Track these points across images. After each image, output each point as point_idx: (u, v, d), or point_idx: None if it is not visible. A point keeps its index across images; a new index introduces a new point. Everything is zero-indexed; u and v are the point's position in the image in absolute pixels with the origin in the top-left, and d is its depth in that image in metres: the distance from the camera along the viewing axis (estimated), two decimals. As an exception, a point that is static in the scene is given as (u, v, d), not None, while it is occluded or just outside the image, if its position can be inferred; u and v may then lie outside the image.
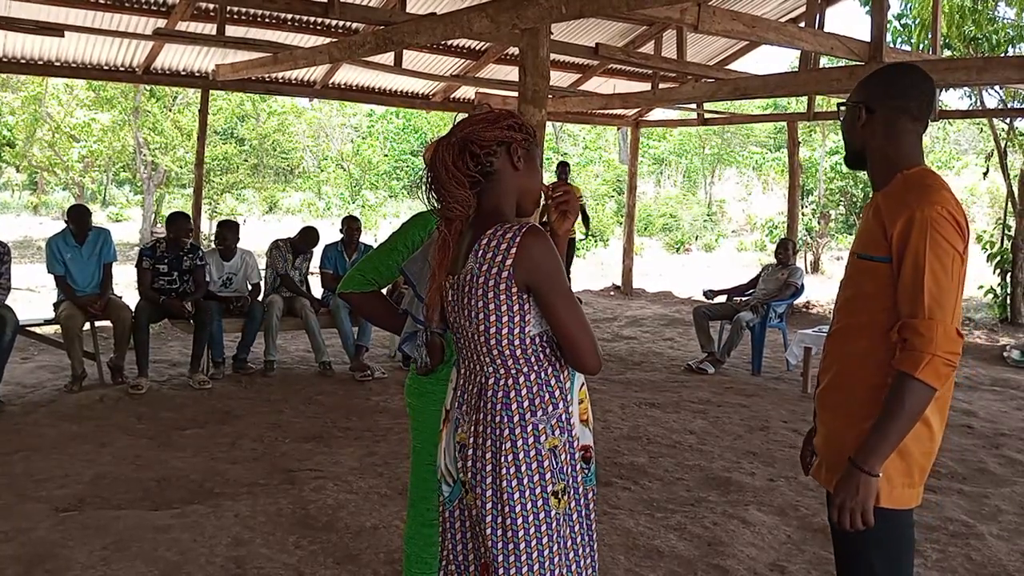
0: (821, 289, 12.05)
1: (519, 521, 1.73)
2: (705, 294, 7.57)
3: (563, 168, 10.19)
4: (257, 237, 13.55)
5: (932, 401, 1.78)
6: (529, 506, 1.74)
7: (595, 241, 17.38)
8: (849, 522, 1.78)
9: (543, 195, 1.92)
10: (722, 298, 7.56)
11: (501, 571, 1.73)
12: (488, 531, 1.74)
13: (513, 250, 1.70)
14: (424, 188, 1.82)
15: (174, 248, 6.19)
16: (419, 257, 2.03)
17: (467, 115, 1.89)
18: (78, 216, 6.09)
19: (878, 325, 1.83)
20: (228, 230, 6.67)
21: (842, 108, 2.00)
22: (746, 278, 8.06)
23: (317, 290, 7.22)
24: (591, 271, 15.05)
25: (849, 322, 1.93)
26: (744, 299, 7.48)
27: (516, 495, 1.73)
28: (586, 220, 11.04)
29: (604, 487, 4.13)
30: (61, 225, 6.13)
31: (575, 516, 1.81)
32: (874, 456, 1.76)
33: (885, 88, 1.93)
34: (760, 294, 7.36)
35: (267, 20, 7.66)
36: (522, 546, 1.73)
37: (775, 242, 8.01)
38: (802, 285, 7.45)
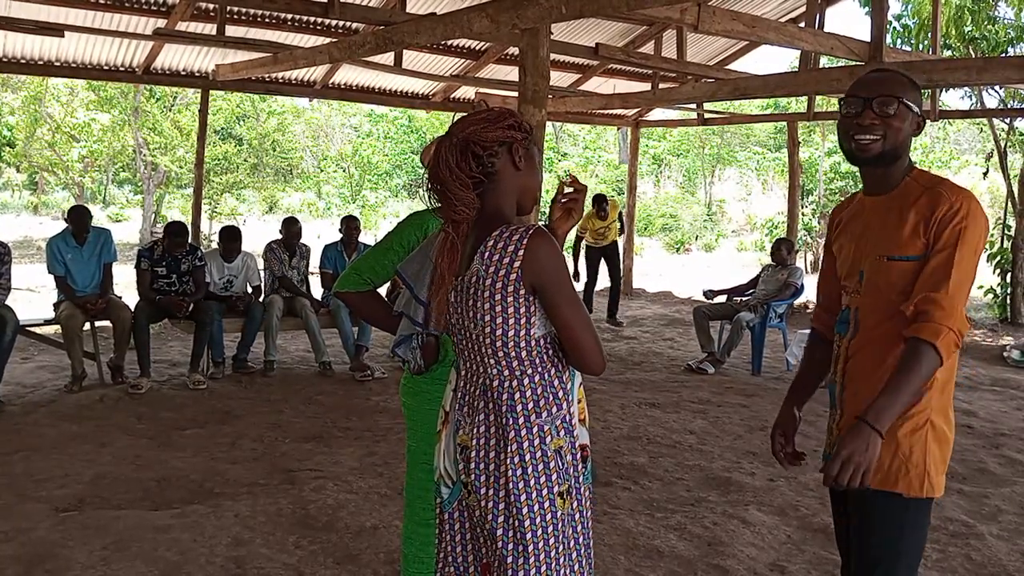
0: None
1: (526, 523, 1.73)
2: (705, 294, 7.58)
3: (600, 201, 9.48)
4: (257, 237, 13.56)
5: (946, 392, 1.87)
6: (536, 508, 1.74)
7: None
8: (850, 478, 1.75)
9: (557, 192, 1.92)
10: (722, 298, 7.57)
11: (510, 572, 1.74)
12: (500, 532, 1.74)
13: (521, 252, 1.70)
14: (426, 189, 1.81)
15: (171, 251, 6.19)
16: (416, 258, 2.02)
17: (466, 114, 1.88)
18: (78, 217, 6.09)
19: None
20: (229, 238, 6.65)
21: (903, 106, 1.90)
22: (746, 278, 8.07)
23: (317, 290, 7.23)
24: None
25: (888, 328, 1.90)
26: (744, 299, 7.49)
27: (523, 497, 1.73)
28: (622, 227, 10.32)
29: (604, 487, 4.13)
30: (61, 225, 6.14)
31: (576, 516, 1.81)
32: (886, 415, 1.77)
33: (920, 96, 1.97)
34: (760, 294, 7.36)
35: (267, 20, 7.66)
36: (530, 548, 1.73)
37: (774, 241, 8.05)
38: (802, 285, 7.46)
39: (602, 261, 9.77)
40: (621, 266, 10.12)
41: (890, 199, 1.94)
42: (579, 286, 9.95)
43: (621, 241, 10.24)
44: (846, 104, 1.96)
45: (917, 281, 1.83)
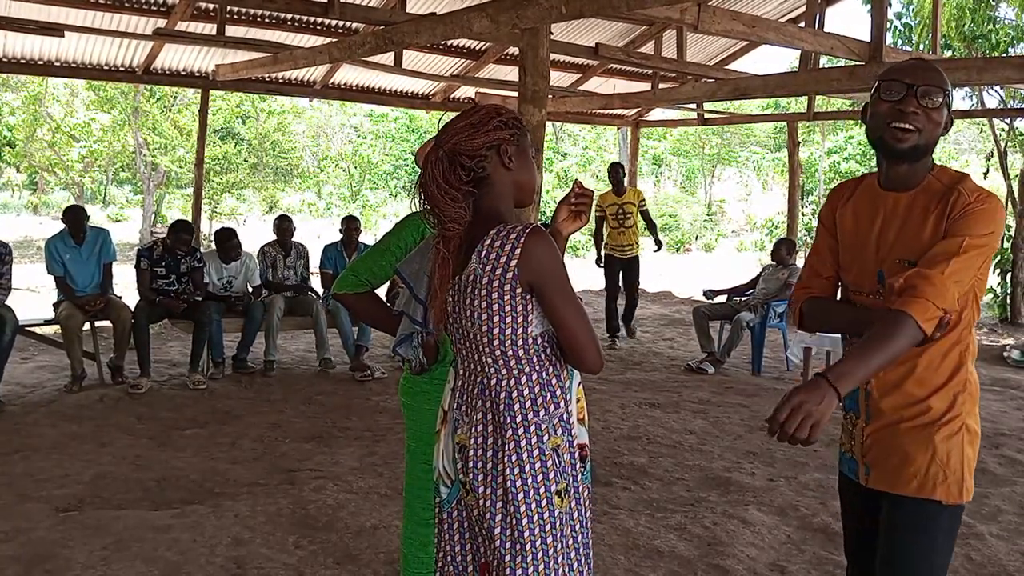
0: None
1: (524, 521, 1.73)
2: (705, 294, 7.58)
3: (615, 170, 8.74)
4: (258, 237, 13.56)
5: (976, 393, 1.84)
6: (533, 506, 1.74)
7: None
8: (796, 428, 1.56)
9: (568, 192, 1.91)
10: (722, 298, 7.57)
11: (508, 571, 1.74)
12: (497, 531, 1.74)
13: (518, 251, 1.69)
14: (418, 201, 1.81)
15: (171, 252, 6.19)
16: (415, 257, 2.02)
17: (453, 116, 1.86)
18: (73, 217, 6.09)
19: (954, 323, 1.79)
20: (226, 238, 6.67)
21: (944, 101, 1.85)
22: (746, 278, 8.06)
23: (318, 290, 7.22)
24: (591, 271, 15.02)
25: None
26: (744, 299, 7.48)
27: (520, 495, 1.73)
28: (653, 229, 9.03)
29: (604, 487, 4.13)
30: (61, 225, 6.14)
31: (575, 515, 1.81)
32: (847, 380, 1.62)
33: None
34: (760, 294, 7.36)
35: (267, 20, 7.66)
36: (528, 546, 1.73)
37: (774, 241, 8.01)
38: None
39: (621, 274, 8.64)
40: (640, 281, 8.95)
41: (912, 197, 1.85)
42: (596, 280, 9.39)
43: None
44: (886, 89, 1.83)
45: (927, 255, 1.76)
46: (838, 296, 2.06)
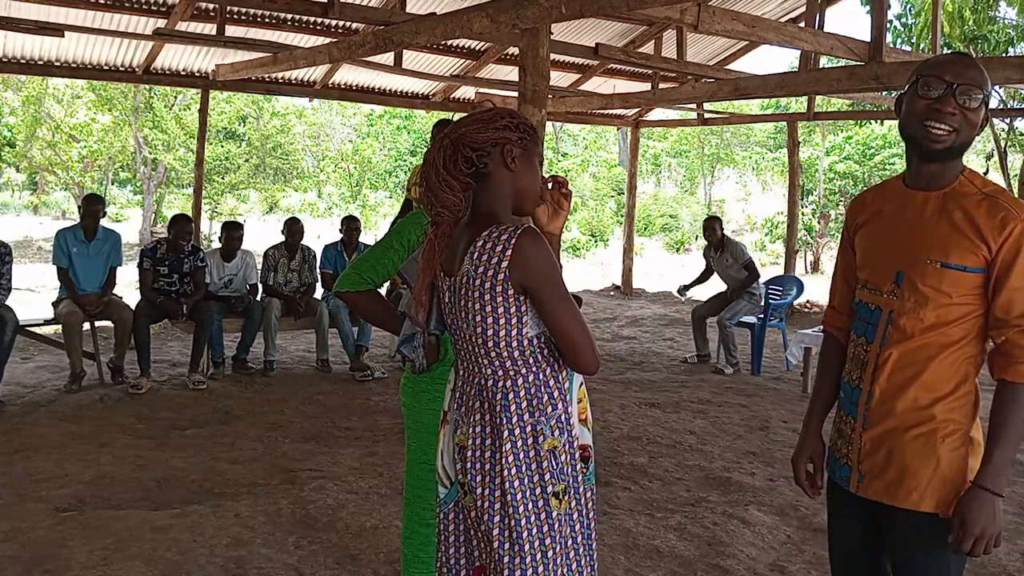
0: (821, 288, 12.04)
1: (522, 523, 1.73)
2: (679, 291, 7.78)
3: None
4: (257, 238, 13.57)
5: (978, 403, 1.81)
6: (531, 507, 1.74)
7: (595, 241, 17.39)
8: (984, 549, 1.74)
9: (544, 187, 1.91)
10: (693, 290, 7.87)
11: (506, 572, 1.74)
12: (496, 532, 1.74)
13: (509, 252, 1.69)
14: (418, 187, 1.82)
15: (175, 250, 6.19)
16: (418, 259, 2.03)
17: (465, 114, 1.88)
18: (89, 205, 6.11)
19: (968, 332, 1.78)
20: (233, 227, 6.71)
21: (984, 101, 1.79)
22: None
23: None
24: (591, 271, 15.08)
25: (934, 338, 1.79)
26: (728, 295, 7.58)
27: (519, 496, 1.73)
28: None
29: (604, 487, 4.13)
30: (61, 224, 6.14)
31: (575, 516, 1.81)
32: (1004, 474, 1.74)
33: None
34: (734, 285, 7.41)
35: (267, 20, 7.66)
36: (526, 547, 1.73)
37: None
38: (750, 259, 7.52)
39: None
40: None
41: (942, 198, 1.79)
42: None
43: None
44: (925, 84, 1.76)
45: (995, 304, 1.73)
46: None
